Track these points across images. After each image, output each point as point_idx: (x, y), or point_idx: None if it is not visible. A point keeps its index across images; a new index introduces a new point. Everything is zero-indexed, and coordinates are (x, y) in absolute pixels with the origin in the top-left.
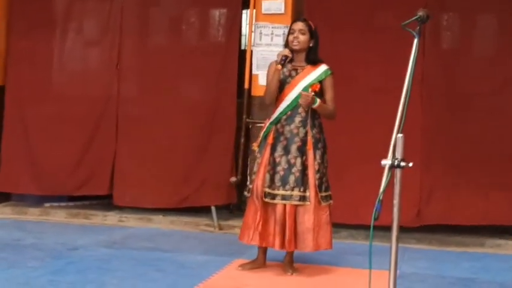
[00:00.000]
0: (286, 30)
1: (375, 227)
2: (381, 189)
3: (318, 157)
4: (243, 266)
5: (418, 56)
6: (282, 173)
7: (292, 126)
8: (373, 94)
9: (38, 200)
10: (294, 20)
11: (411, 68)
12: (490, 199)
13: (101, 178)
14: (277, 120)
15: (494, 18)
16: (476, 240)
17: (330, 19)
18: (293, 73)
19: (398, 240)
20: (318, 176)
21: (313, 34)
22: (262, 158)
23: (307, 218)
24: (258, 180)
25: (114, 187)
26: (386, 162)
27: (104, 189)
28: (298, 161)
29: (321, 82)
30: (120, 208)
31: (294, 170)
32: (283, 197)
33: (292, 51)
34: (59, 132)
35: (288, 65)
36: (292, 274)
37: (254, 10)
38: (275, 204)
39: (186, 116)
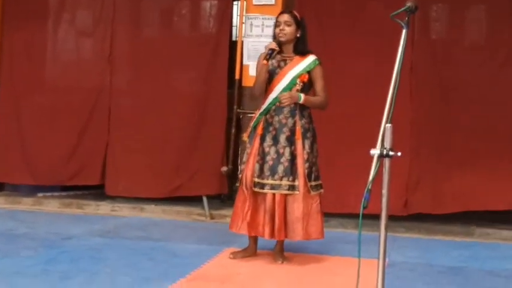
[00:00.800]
0: None
1: (364, 216)
2: (370, 179)
3: (307, 147)
4: (234, 255)
5: (407, 46)
6: (271, 162)
7: (281, 116)
8: (362, 84)
9: (31, 190)
10: (280, 12)
11: (400, 59)
12: (477, 188)
13: (93, 168)
14: (267, 111)
15: (483, 8)
16: (464, 229)
17: (321, 9)
18: (282, 64)
19: (387, 229)
20: (307, 165)
21: (299, 24)
22: (252, 148)
23: (296, 207)
24: (248, 170)
25: (106, 177)
26: (375, 151)
27: (96, 179)
28: (287, 150)
29: (309, 72)
30: (113, 198)
31: (282, 159)
32: (272, 187)
33: (280, 43)
34: (52, 123)
35: (277, 56)
36: (282, 262)
37: (245, 1)
38: (264, 194)
39: (177, 107)
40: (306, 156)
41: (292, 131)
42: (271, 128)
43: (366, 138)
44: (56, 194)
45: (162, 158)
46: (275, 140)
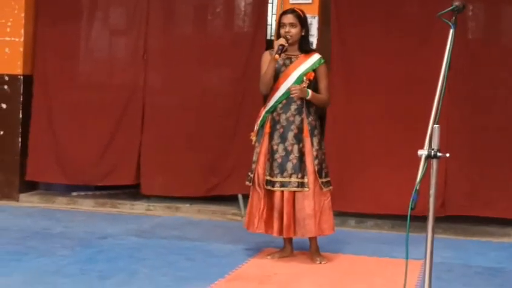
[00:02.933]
0: (313, 20)
1: (398, 217)
2: (418, 179)
3: (315, 144)
4: (271, 255)
5: (444, 46)
6: (279, 160)
7: (288, 114)
8: (398, 85)
9: (65, 189)
10: (283, 12)
11: (447, 58)
12: None
13: (127, 167)
14: (273, 109)
15: None
16: (501, 230)
17: (357, 8)
18: (287, 62)
19: (434, 230)
20: (316, 162)
21: (304, 23)
22: (261, 147)
23: (307, 204)
24: (259, 169)
25: (141, 176)
26: (423, 152)
27: (130, 179)
28: (295, 148)
29: (314, 71)
30: (147, 197)
31: (291, 157)
32: (282, 184)
33: (286, 42)
34: (86, 122)
35: (282, 54)
36: (321, 262)
37: (281, 0)
38: (275, 191)
39: (213, 105)
40: (315, 154)
41: (300, 129)
42: (278, 126)
43: (401, 138)
44: (90, 193)
45: (197, 157)
46: (283, 138)
